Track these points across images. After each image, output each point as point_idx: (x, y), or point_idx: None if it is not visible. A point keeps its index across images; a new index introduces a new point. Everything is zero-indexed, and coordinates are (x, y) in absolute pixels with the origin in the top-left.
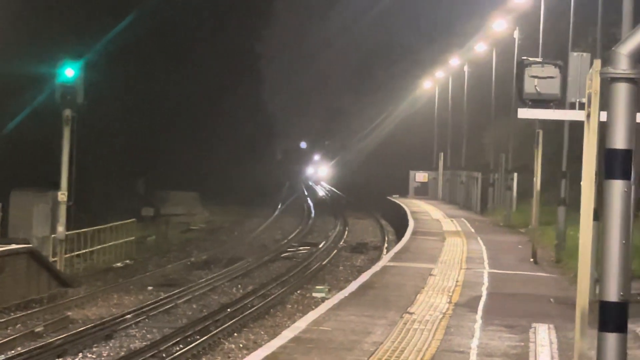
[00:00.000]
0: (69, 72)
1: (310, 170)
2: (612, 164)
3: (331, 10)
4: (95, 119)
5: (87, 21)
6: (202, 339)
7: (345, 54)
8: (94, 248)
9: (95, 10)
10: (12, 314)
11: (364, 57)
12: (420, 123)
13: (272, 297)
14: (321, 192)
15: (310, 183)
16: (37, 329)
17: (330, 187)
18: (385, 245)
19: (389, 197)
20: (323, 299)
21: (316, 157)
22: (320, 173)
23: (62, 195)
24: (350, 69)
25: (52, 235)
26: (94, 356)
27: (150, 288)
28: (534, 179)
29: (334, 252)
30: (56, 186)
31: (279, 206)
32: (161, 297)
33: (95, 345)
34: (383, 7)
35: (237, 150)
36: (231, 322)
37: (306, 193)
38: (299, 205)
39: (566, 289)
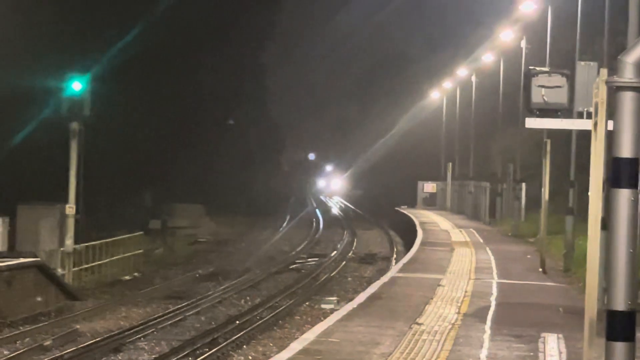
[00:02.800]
0: (76, 85)
1: (321, 183)
2: (619, 172)
3: (336, 18)
4: (102, 131)
5: (94, 34)
6: (210, 352)
7: (352, 63)
8: (102, 261)
9: (102, 23)
10: (21, 327)
11: (371, 67)
12: (428, 133)
13: (281, 308)
14: (335, 210)
15: (322, 198)
16: (46, 343)
17: (345, 202)
18: (394, 256)
19: (397, 208)
20: (332, 311)
21: (328, 168)
22: (333, 186)
23: (70, 209)
24: (357, 78)
25: (60, 249)
26: None
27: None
28: (542, 188)
29: (343, 263)
30: (64, 199)
31: (287, 218)
32: (169, 310)
33: (104, 358)
34: (389, 17)
35: (243, 162)
36: (239, 334)
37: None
38: (308, 219)
39: (575, 298)
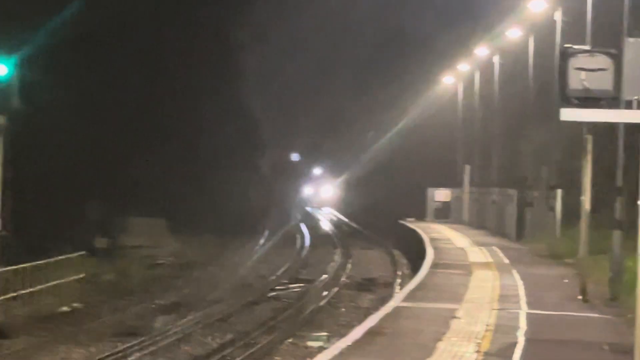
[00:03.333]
0: (1, 69)
1: (307, 191)
2: None
3: None
4: (35, 127)
5: (24, 7)
6: None
7: (346, 45)
8: (35, 288)
9: None
10: None
11: (370, 48)
12: (440, 128)
13: (257, 347)
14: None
15: (308, 209)
16: None
17: (338, 215)
18: (398, 281)
19: (401, 222)
20: (320, 349)
21: (316, 171)
22: (323, 194)
23: None
24: (353, 63)
25: None
26: None
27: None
28: (582, 196)
29: (335, 289)
30: None
31: (266, 234)
32: (118, 349)
33: None
34: None
35: (212, 165)
36: None
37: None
38: (291, 235)
39: (623, 333)
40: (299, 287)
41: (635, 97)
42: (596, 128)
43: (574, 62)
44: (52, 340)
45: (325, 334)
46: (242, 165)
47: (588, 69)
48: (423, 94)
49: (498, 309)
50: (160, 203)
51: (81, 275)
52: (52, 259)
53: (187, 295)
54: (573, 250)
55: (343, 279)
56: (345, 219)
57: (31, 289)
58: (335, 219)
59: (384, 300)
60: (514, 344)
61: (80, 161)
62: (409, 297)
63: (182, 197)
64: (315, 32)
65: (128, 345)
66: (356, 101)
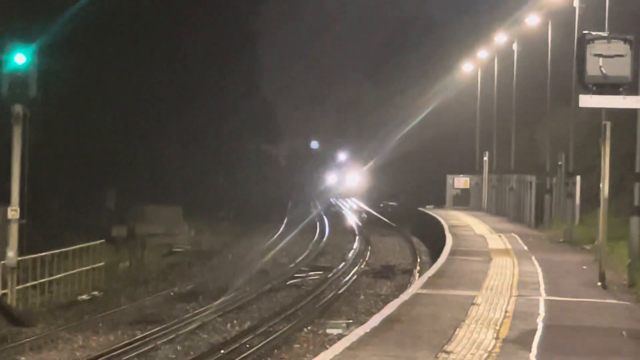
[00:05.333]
0: (20, 58)
1: (331, 179)
2: None
3: None
4: (53, 116)
5: None
6: None
7: (363, 33)
8: (54, 277)
9: None
10: None
11: (388, 35)
12: (458, 115)
13: (276, 335)
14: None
15: (333, 200)
16: None
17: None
18: (417, 268)
19: (421, 209)
20: (339, 336)
21: (341, 157)
22: (349, 182)
23: (13, 212)
24: (370, 50)
25: (1, 262)
26: None
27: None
28: (601, 183)
29: (353, 277)
30: (5, 200)
31: (285, 220)
32: (137, 337)
33: None
34: None
35: (229, 153)
36: None
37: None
38: (312, 224)
39: None
40: (318, 274)
41: None
42: (615, 114)
43: (592, 49)
44: (70, 328)
45: (344, 321)
46: (260, 154)
47: (606, 56)
48: (443, 80)
49: (517, 296)
50: (175, 191)
51: (100, 264)
52: (71, 248)
53: (204, 283)
54: (592, 237)
55: (362, 266)
56: (366, 207)
57: (50, 278)
58: (356, 207)
59: (402, 288)
60: (533, 331)
61: (97, 150)
62: (428, 284)
63: (198, 185)
64: (334, 18)
65: (147, 333)
66: (375, 88)
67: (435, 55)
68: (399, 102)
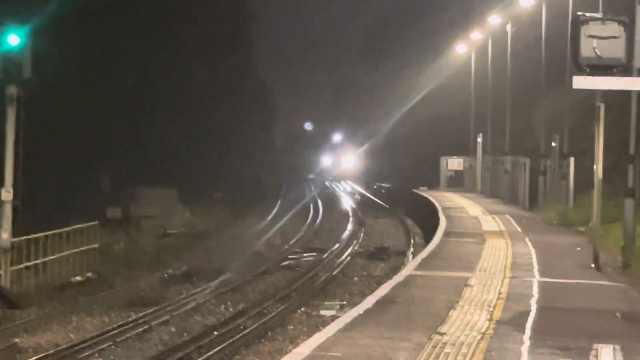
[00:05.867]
0: (13, 39)
1: (326, 161)
2: None
3: None
4: (48, 98)
5: None
6: None
7: (357, 13)
8: (48, 258)
9: None
10: None
11: (381, 16)
12: (452, 97)
13: (270, 316)
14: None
15: (327, 183)
16: None
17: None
18: (411, 250)
19: (414, 190)
20: (333, 318)
21: (336, 138)
22: (344, 164)
23: (7, 193)
24: (364, 31)
25: None
26: None
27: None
28: (595, 165)
29: (347, 259)
30: None
31: (278, 202)
32: (131, 319)
33: None
34: None
35: (223, 134)
36: (218, 348)
37: None
38: (305, 206)
39: (635, 301)
40: (312, 256)
41: None
42: (609, 95)
43: (586, 30)
44: (65, 310)
45: (338, 302)
46: (255, 136)
47: (600, 37)
48: (438, 62)
49: (511, 277)
50: (170, 173)
51: (94, 246)
52: (64, 229)
53: (199, 265)
54: (586, 219)
55: (355, 248)
56: (359, 189)
57: (44, 259)
58: (350, 189)
59: (396, 269)
60: (527, 312)
61: (92, 132)
62: (422, 265)
63: (192, 167)
64: (325, 2)
65: (141, 314)
66: (372, 69)
67: (431, 36)
68: (394, 84)
